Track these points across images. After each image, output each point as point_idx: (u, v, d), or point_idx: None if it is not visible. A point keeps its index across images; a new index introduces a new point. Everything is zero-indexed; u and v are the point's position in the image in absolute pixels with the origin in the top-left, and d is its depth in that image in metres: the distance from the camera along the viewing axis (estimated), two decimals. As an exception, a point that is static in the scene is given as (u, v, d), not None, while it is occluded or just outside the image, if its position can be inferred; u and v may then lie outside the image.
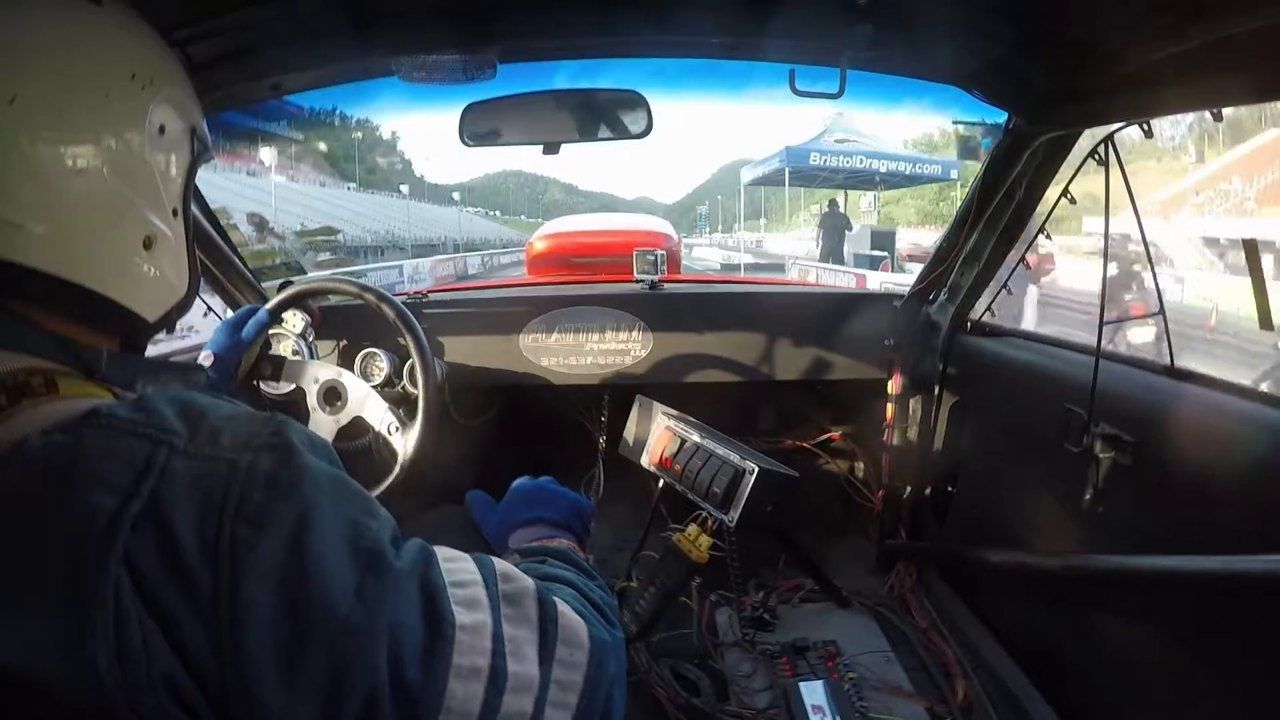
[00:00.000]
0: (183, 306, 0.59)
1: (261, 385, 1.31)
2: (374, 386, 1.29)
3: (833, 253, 11.94)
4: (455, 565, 0.47)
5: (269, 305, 1.21)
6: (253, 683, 0.37)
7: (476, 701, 0.42)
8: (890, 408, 1.64)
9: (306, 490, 0.40)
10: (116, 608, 0.36)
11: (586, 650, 0.48)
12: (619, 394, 1.71)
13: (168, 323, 0.57)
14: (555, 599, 0.49)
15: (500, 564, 0.49)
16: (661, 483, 1.43)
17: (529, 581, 0.49)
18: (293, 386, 1.26)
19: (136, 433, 0.39)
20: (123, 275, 0.51)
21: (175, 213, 0.55)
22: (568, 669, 0.47)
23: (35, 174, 0.45)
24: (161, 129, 0.53)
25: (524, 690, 0.44)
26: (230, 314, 1.17)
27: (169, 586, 0.37)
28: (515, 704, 0.43)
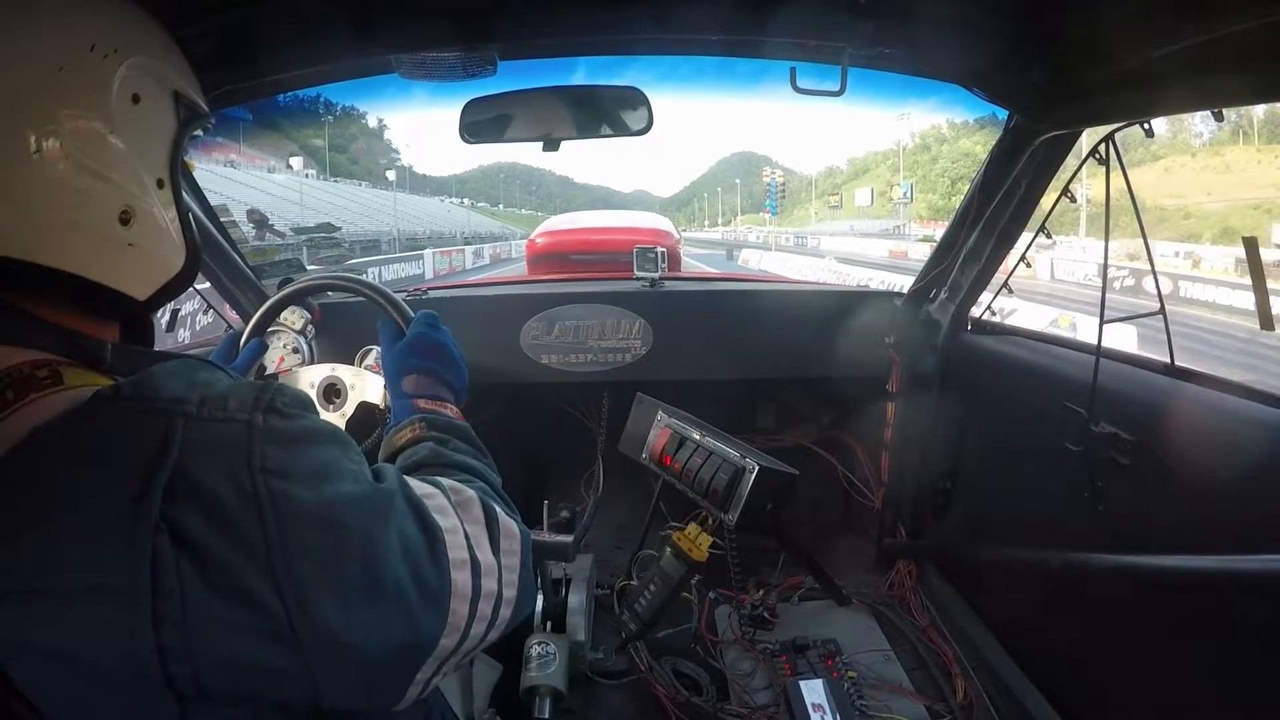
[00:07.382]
0: (181, 281, 0.57)
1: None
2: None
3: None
4: (416, 483, 0.55)
5: (249, 331, 1.14)
6: (314, 610, 0.42)
7: (469, 585, 0.52)
8: (890, 406, 1.64)
9: (313, 442, 0.46)
10: (154, 578, 0.37)
11: (519, 540, 0.60)
12: (619, 391, 1.70)
13: (162, 301, 0.56)
14: (491, 503, 0.59)
15: (446, 481, 0.59)
16: (661, 480, 1.43)
17: (472, 491, 0.59)
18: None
19: (148, 408, 0.41)
20: (98, 254, 0.49)
21: (161, 184, 0.53)
22: (509, 556, 0.58)
23: None
24: (135, 98, 0.50)
25: (491, 574, 0.55)
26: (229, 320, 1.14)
27: (220, 541, 0.39)
28: (488, 585, 0.54)
